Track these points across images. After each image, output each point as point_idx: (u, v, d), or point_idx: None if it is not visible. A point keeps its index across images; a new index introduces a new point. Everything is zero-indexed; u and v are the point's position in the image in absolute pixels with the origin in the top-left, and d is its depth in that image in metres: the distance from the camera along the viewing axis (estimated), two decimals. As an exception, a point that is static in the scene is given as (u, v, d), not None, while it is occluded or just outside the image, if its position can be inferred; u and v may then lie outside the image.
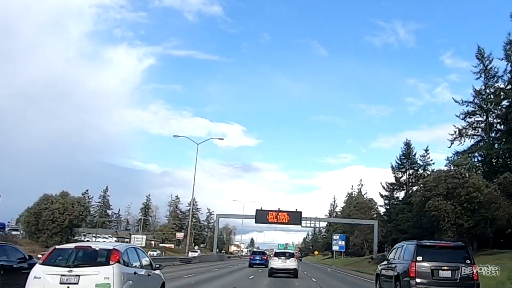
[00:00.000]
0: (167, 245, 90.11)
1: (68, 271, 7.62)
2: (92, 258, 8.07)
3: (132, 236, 65.50)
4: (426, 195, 34.85)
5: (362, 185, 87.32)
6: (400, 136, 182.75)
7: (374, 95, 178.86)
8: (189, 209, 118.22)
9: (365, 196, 77.64)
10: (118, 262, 7.92)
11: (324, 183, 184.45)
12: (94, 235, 66.76)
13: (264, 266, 34.27)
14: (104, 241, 55.64)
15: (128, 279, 8.01)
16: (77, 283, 7.53)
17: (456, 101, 43.02)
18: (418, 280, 11.24)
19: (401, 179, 58.09)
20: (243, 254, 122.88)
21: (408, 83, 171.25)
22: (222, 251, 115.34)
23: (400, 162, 58.24)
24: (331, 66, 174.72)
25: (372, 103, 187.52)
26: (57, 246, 8.68)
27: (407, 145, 58.73)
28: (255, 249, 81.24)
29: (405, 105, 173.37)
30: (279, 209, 62.48)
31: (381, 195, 61.52)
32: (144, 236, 67.65)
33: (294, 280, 22.95)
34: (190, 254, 56.04)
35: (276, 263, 25.13)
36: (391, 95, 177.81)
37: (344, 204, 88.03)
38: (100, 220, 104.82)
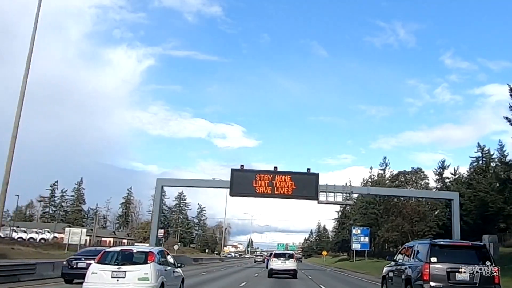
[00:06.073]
0: (147, 245, 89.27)
1: (117, 268, 10.88)
2: (134, 258, 11.38)
3: (66, 229, 53.98)
4: None
5: (386, 164, 72.16)
6: (400, 137, 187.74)
7: (374, 95, 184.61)
8: (176, 203, 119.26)
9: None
10: (154, 261, 11.19)
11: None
12: (25, 230, 61.61)
13: None
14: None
15: (160, 274, 11.27)
16: (124, 277, 10.74)
17: None
18: (432, 284, 11.03)
19: None
20: (229, 256, 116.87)
21: (408, 83, 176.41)
22: (215, 252, 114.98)
23: None
24: (331, 67, 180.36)
25: (372, 103, 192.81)
26: (106, 249, 12.21)
27: None
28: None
29: (405, 105, 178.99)
30: (275, 168, 38.18)
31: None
32: (84, 230, 55.05)
33: None
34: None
35: (276, 264, 27.29)
36: (391, 96, 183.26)
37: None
38: (73, 215, 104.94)
